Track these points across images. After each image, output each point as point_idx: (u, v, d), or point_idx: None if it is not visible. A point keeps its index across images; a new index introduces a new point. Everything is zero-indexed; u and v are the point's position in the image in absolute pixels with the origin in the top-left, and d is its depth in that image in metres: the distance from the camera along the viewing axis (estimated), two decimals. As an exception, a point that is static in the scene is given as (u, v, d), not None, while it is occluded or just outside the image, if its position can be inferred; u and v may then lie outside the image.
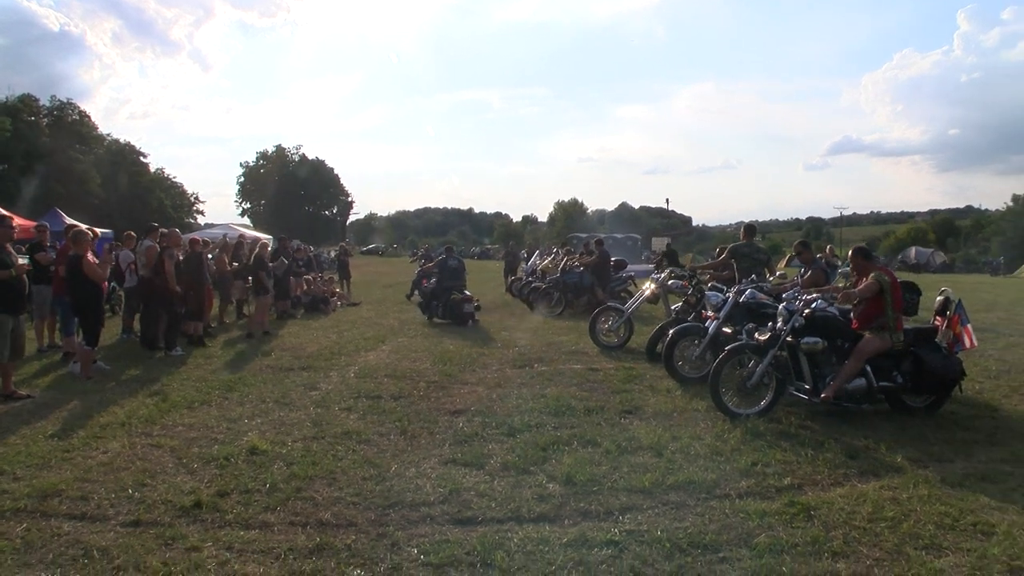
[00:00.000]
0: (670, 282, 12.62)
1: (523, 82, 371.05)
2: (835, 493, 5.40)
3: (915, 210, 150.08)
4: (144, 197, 58.48)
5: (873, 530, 4.72)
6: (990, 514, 4.99)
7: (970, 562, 4.30)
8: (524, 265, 28.04)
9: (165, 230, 12.74)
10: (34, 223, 17.52)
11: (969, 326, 8.03)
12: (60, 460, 6.17)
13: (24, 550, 4.45)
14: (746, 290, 8.97)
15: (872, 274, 7.65)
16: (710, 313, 9.33)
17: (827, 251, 19.41)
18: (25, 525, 4.81)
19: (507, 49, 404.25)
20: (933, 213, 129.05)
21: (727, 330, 8.82)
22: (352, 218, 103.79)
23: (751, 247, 11.29)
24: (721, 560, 4.29)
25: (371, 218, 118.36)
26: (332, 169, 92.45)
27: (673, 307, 11.85)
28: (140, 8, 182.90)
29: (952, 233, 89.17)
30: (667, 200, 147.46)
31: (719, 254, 12.75)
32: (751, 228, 11.83)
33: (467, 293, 16.06)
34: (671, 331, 9.63)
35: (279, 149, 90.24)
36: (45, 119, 55.76)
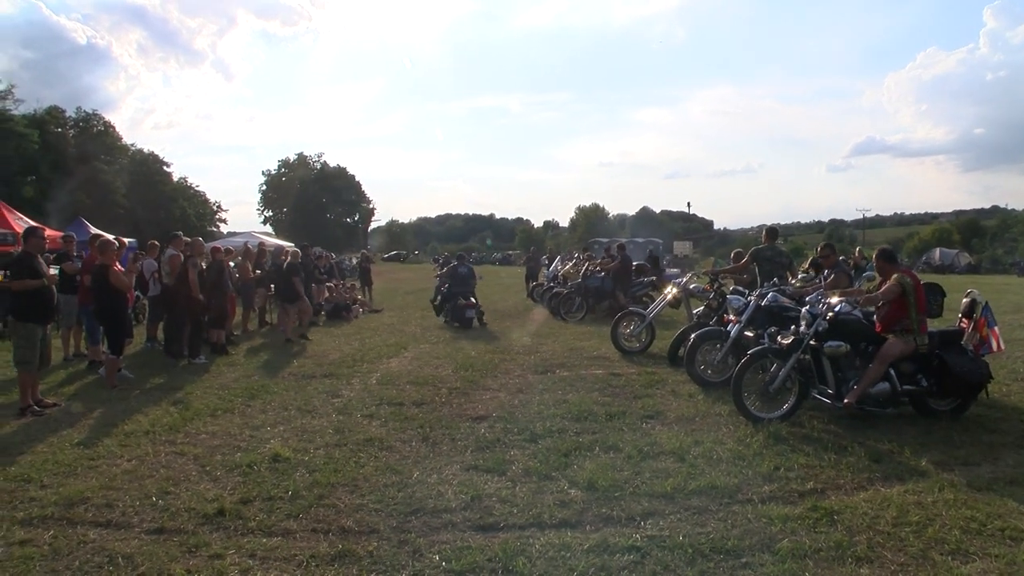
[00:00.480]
0: (692, 286, 12.58)
1: (543, 87, 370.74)
2: (859, 497, 5.35)
3: (940, 211, 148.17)
4: (168, 206, 59.27)
5: (898, 535, 4.66)
6: (1019, 519, 4.92)
7: (998, 568, 4.24)
8: (546, 271, 28.05)
9: (188, 239, 12.86)
10: (61, 233, 17.75)
11: (996, 329, 7.94)
12: (86, 468, 6.25)
13: (52, 557, 4.51)
14: (768, 293, 8.92)
15: (894, 276, 7.57)
16: (732, 317, 9.28)
17: (856, 254, 19.26)
18: (52, 532, 4.87)
19: (527, 54, 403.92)
20: (958, 214, 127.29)
21: (749, 334, 8.77)
22: (373, 225, 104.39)
23: (773, 250, 11.24)
24: (744, 566, 4.27)
25: (392, 225, 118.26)
26: (353, 176, 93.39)
27: (695, 311, 11.82)
28: (164, 19, 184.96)
29: (978, 234, 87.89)
30: (688, 204, 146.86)
31: (735, 258, 12.70)
32: (773, 231, 11.78)
33: (472, 299, 16.82)
34: (693, 335, 9.58)
35: (301, 157, 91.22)
36: (71, 130, 56.67)
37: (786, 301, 8.80)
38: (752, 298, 9.03)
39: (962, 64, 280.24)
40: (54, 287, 8.80)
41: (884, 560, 4.34)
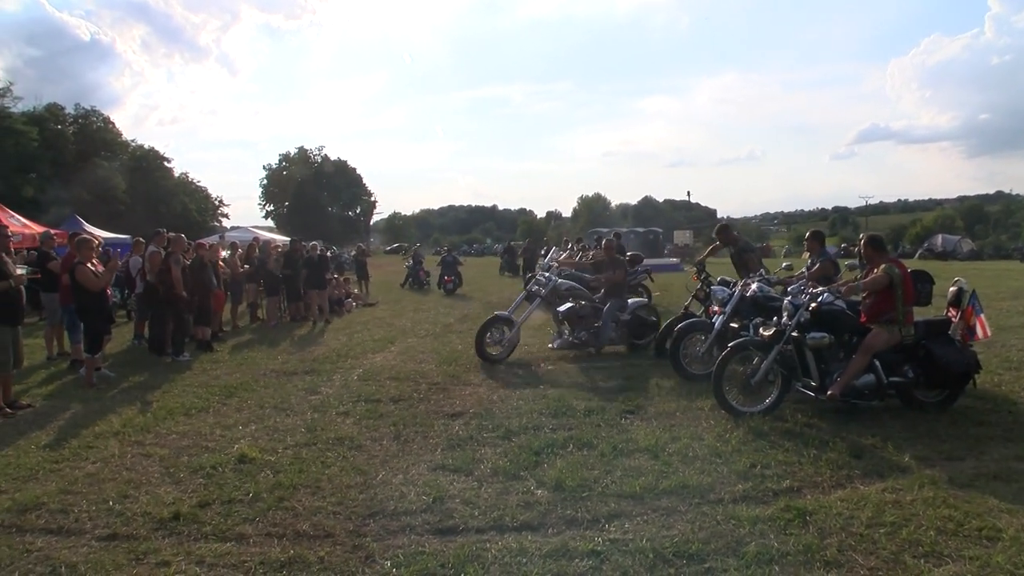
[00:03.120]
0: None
1: (545, 77, 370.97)
2: (835, 496, 5.15)
3: (943, 197, 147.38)
4: (168, 201, 59.10)
5: (871, 537, 4.47)
6: (998, 517, 4.72)
7: (971, 571, 4.05)
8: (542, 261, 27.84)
9: (172, 235, 12.69)
10: (41, 230, 17.45)
11: (983, 316, 7.73)
12: (48, 471, 6.11)
13: (-9, 568, 4.36)
14: (753, 284, 8.73)
15: (882, 266, 7.35)
16: (716, 308, 9.09)
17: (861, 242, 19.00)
18: (-2, 541, 4.71)
19: (529, 44, 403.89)
20: (962, 200, 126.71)
21: (734, 325, 8.58)
22: (376, 218, 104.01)
23: (745, 243, 11.36)
24: (706, 571, 4.08)
25: (395, 217, 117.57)
26: (355, 169, 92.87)
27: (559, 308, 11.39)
28: (168, 14, 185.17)
29: (981, 219, 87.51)
30: (688, 193, 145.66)
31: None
32: (726, 227, 11.74)
33: (451, 277, 24.43)
34: (677, 327, 9.38)
35: (301, 151, 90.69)
36: (71, 127, 56.37)
37: (772, 291, 8.62)
38: (737, 288, 8.85)
39: (967, 49, 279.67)
40: (22, 288, 8.61)
41: (854, 564, 4.15)
